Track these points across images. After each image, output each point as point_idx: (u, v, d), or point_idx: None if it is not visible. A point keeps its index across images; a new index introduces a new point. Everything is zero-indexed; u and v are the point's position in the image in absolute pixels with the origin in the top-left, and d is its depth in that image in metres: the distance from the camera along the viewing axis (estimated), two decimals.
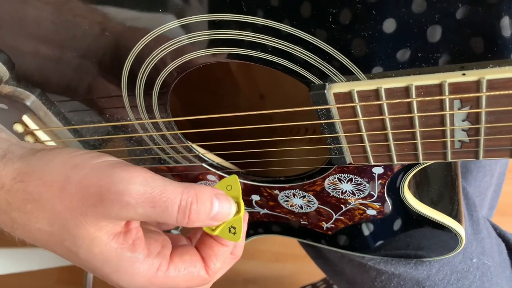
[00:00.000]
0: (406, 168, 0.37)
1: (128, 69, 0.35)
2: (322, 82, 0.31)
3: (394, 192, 0.39)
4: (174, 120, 0.38)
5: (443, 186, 0.44)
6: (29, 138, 0.42)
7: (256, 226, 0.51)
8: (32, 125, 0.41)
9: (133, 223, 0.31)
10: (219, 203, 0.31)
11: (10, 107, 0.41)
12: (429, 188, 0.43)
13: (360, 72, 0.30)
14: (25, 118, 0.41)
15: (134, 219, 0.29)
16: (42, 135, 0.42)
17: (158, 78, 0.35)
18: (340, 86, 0.31)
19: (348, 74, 0.30)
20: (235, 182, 0.33)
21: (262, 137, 0.37)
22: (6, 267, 1.03)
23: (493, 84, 0.27)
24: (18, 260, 1.05)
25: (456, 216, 0.43)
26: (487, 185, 0.60)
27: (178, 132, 0.38)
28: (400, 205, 0.41)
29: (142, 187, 0.28)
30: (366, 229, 0.45)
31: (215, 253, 0.33)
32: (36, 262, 1.10)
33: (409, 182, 0.40)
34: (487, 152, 0.32)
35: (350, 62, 0.30)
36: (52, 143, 0.43)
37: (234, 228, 0.32)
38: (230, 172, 0.43)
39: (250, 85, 0.46)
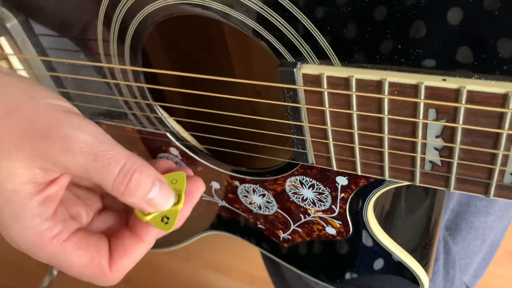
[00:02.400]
0: (372, 186, 0.33)
1: (104, 11, 0.33)
2: (294, 61, 0.29)
3: (357, 212, 0.35)
4: (143, 72, 0.36)
5: (417, 226, 0.40)
6: (3, 63, 0.41)
7: (212, 219, 0.47)
8: (8, 49, 0.40)
9: (60, 180, 0.28)
10: (160, 189, 0.28)
11: None
12: (399, 222, 0.39)
13: (336, 58, 0.27)
14: (2, 40, 0.40)
15: (70, 169, 0.26)
16: (15, 62, 0.41)
17: (132, 24, 0.33)
18: (311, 68, 0.28)
19: (323, 59, 0.27)
20: (182, 178, 0.31)
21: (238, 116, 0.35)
22: None
23: (474, 97, 0.24)
24: None
25: (424, 264, 0.38)
26: (476, 250, 0.54)
27: (145, 85, 0.36)
28: (362, 230, 0.37)
29: (90, 137, 0.27)
30: (324, 251, 0.41)
31: (126, 248, 0.29)
32: None
33: (377, 208, 0.36)
34: (460, 183, 0.28)
35: (328, 45, 0.27)
36: (23, 73, 0.41)
37: (168, 218, 0.29)
38: (191, 147, 0.40)
39: (244, 63, 0.44)
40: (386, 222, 0.37)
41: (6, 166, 0.26)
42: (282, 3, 0.26)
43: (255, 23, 0.28)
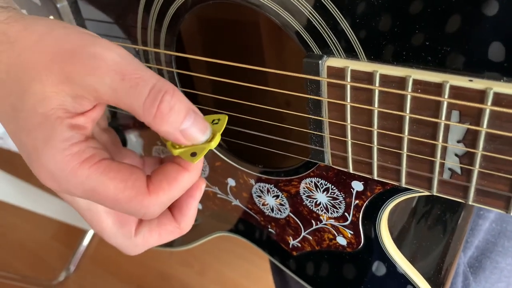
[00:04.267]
0: (387, 194, 0.32)
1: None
2: (321, 53, 0.29)
3: (370, 223, 0.34)
4: (175, 59, 0.37)
5: (433, 249, 0.38)
6: None
7: (224, 219, 0.47)
8: None
9: (91, 113, 0.27)
10: (194, 119, 0.26)
11: (43, 4, 0.42)
12: (415, 241, 0.37)
13: (363, 53, 0.27)
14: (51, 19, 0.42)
15: (99, 92, 0.25)
16: None
17: (171, 8, 0.34)
18: (336, 61, 0.28)
19: (349, 53, 0.27)
20: (223, 120, 0.29)
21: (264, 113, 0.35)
22: (17, 198, 1.06)
23: (500, 100, 0.23)
24: (28, 196, 1.08)
25: (437, 286, 0.36)
26: None
27: (174, 70, 0.37)
28: (373, 244, 0.35)
29: (119, 57, 0.25)
30: (332, 264, 0.40)
31: (167, 172, 0.27)
32: (42, 207, 1.12)
33: (392, 222, 0.35)
34: (479, 195, 0.26)
35: (356, 39, 0.27)
36: None
37: (196, 153, 0.27)
38: None
39: (276, 57, 0.44)
40: (400, 239, 0.36)
41: (38, 90, 0.25)
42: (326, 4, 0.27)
43: (286, 12, 0.29)
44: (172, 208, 0.30)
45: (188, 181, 0.28)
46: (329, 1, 0.26)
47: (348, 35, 0.27)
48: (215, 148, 0.41)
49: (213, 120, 0.29)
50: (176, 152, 0.27)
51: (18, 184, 1.05)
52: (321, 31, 0.28)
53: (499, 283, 0.51)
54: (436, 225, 0.39)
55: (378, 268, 0.36)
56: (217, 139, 0.27)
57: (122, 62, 0.25)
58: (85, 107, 0.26)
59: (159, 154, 0.46)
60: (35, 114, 0.25)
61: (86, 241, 1.32)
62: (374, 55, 0.26)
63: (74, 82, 0.25)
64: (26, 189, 1.08)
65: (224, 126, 0.29)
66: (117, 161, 0.27)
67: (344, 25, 0.27)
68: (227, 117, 0.29)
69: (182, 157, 0.27)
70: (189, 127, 0.26)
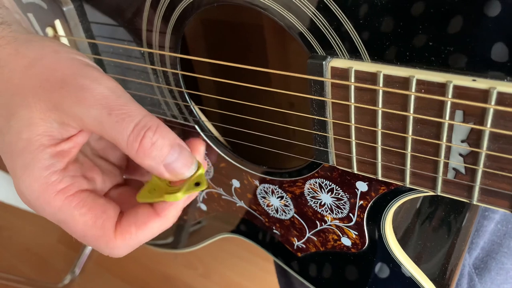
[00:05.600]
0: (392, 194, 0.32)
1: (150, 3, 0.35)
2: (325, 54, 0.29)
3: (375, 223, 0.34)
4: (179, 61, 0.37)
5: (438, 249, 0.38)
6: None
7: (229, 220, 0.47)
8: (61, 31, 0.42)
9: (76, 137, 0.27)
10: (179, 154, 0.26)
11: (49, 8, 0.42)
12: (419, 242, 0.37)
13: (366, 54, 0.27)
14: (57, 22, 0.42)
15: (85, 122, 0.26)
16: (65, 43, 0.43)
17: (177, 8, 0.34)
18: (340, 62, 0.28)
19: (353, 53, 0.28)
20: (200, 168, 0.28)
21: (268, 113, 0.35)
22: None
23: (504, 99, 0.23)
24: None
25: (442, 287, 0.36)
26: None
27: (179, 72, 0.37)
28: (378, 244, 0.35)
29: (107, 90, 0.26)
30: (338, 265, 0.40)
31: (138, 217, 0.27)
32: None
33: (396, 222, 0.35)
34: (483, 194, 0.26)
35: (360, 40, 0.27)
36: None
37: (199, 183, 0.27)
38: (216, 141, 0.40)
39: (280, 58, 0.44)
40: (404, 239, 0.36)
41: (25, 116, 0.26)
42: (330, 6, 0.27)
43: (290, 14, 0.29)
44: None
45: (158, 228, 0.28)
46: (333, 3, 0.27)
47: (352, 36, 0.27)
48: (219, 150, 0.41)
49: None
50: (179, 197, 0.26)
51: None
52: (324, 32, 0.28)
53: (505, 284, 0.50)
54: (441, 226, 0.39)
55: (383, 270, 0.36)
56: (202, 167, 0.27)
57: (110, 97, 0.26)
58: (70, 132, 0.27)
59: None
60: (19, 139, 0.26)
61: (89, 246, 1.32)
62: (378, 56, 0.27)
63: (61, 110, 0.26)
64: None
65: (203, 171, 0.28)
66: (93, 195, 0.28)
67: (348, 26, 0.27)
68: (203, 168, 0.28)
69: (190, 193, 0.27)
70: (173, 161, 0.26)
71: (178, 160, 0.26)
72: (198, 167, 0.27)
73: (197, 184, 0.27)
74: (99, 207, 0.27)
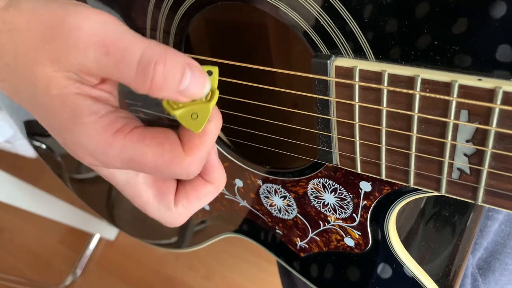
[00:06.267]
0: (395, 195, 0.32)
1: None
2: (329, 53, 0.29)
3: (378, 223, 0.34)
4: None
5: (442, 250, 0.38)
6: None
7: (232, 220, 0.47)
8: None
9: (102, 86, 0.26)
10: (191, 75, 0.24)
11: None
12: (423, 242, 0.37)
13: (371, 53, 0.27)
14: None
15: (88, 69, 0.24)
16: None
17: (181, 8, 0.34)
18: (344, 61, 0.28)
19: (358, 53, 0.27)
20: (215, 72, 0.27)
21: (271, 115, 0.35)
22: (24, 202, 1.07)
23: (510, 99, 0.23)
24: (35, 199, 1.08)
25: None
26: None
27: None
28: (381, 245, 0.35)
29: (99, 25, 0.23)
30: (340, 266, 0.40)
31: (199, 133, 0.26)
32: (49, 210, 1.12)
33: (400, 223, 0.35)
34: (488, 195, 0.26)
35: (364, 39, 0.27)
36: None
37: (197, 115, 0.25)
38: (219, 140, 0.40)
39: (283, 57, 0.44)
40: (408, 240, 0.36)
41: (40, 73, 0.24)
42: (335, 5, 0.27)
43: (295, 13, 0.29)
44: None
45: (215, 129, 0.27)
46: (338, 2, 0.27)
47: (357, 35, 0.27)
48: (223, 149, 0.41)
49: (207, 72, 0.27)
50: (174, 113, 0.25)
51: (25, 187, 1.06)
52: (329, 31, 0.28)
53: (509, 285, 0.50)
54: (444, 226, 0.39)
55: (385, 270, 0.36)
56: (217, 96, 0.26)
57: (102, 32, 0.23)
58: (92, 81, 0.25)
59: None
60: (50, 97, 0.25)
61: (92, 245, 1.32)
62: (383, 55, 0.27)
63: (62, 61, 0.24)
64: (33, 193, 1.08)
65: (217, 79, 0.27)
66: (149, 127, 0.26)
67: (353, 25, 0.27)
68: (217, 68, 0.27)
69: (184, 125, 0.26)
70: (188, 86, 0.24)
71: (192, 83, 0.25)
72: (211, 95, 0.26)
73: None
74: (160, 134, 0.26)
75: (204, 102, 0.26)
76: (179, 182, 0.30)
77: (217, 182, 0.30)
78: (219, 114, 0.27)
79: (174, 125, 0.27)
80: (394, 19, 0.25)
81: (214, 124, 0.26)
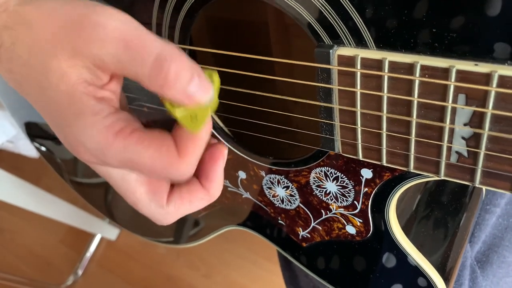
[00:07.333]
0: (396, 180, 0.33)
1: None
2: (332, 44, 0.30)
3: (379, 210, 0.35)
4: (187, 53, 0.38)
5: (440, 237, 0.39)
6: None
7: (235, 212, 0.48)
8: None
9: (110, 86, 0.27)
10: (199, 81, 0.26)
11: None
12: (422, 229, 0.38)
13: (372, 42, 0.28)
14: None
15: (106, 63, 0.25)
16: None
17: (186, 3, 0.35)
18: (346, 50, 0.29)
19: (359, 42, 0.29)
20: (215, 77, 0.28)
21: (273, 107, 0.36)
22: (25, 202, 1.07)
23: (505, 82, 0.24)
24: (36, 199, 1.09)
25: (444, 276, 0.37)
26: (507, 287, 0.51)
27: None
28: (382, 231, 0.36)
29: (122, 24, 0.25)
30: (342, 254, 0.41)
31: (188, 136, 0.28)
32: (50, 210, 1.13)
33: (400, 210, 0.36)
34: (486, 177, 0.27)
35: (365, 28, 0.28)
36: None
37: (196, 117, 0.27)
38: (222, 133, 0.41)
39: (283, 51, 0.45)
40: (408, 226, 0.37)
41: (56, 67, 0.26)
42: None
43: (298, 4, 0.30)
44: (199, 176, 0.31)
45: (206, 135, 0.28)
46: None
47: (358, 25, 0.28)
48: (226, 142, 0.42)
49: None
50: (176, 114, 0.26)
51: (26, 187, 1.07)
52: (332, 22, 0.29)
53: (507, 277, 0.51)
54: (443, 214, 0.40)
55: (388, 259, 0.37)
56: (215, 101, 0.27)
57: (124, 29, 0.25)
58: (102, 79, 0.27)
59: None
60: (60, 92, 0.26)
61: (93, 245, 1.33)
62: (383, 44, 0.28)
63: (82, 53, 0.25)
64: (34, 193, 1.09)
65: (218, 83, 0.28)
66: (147, 130, 0.28)
67: (354, 15, 0.28)
68: (217, 73, 0.28)
69: (184, 126, 0.27)
70: (195, 90, 0.26)
71: (199, 88, 0.26)
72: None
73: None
74: (158, 138, 0.27)
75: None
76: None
77: (212, 191, 0.31)
78: (210, 121, 0.29)
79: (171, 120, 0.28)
80: (394, 9, 0.26)
81: (205, 130, 0.29)
